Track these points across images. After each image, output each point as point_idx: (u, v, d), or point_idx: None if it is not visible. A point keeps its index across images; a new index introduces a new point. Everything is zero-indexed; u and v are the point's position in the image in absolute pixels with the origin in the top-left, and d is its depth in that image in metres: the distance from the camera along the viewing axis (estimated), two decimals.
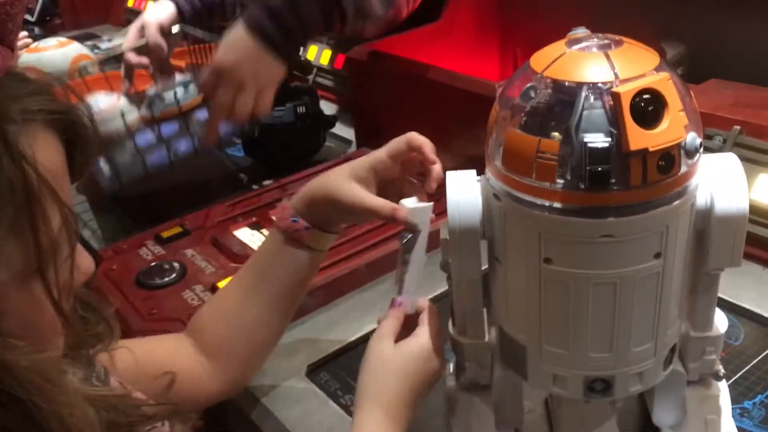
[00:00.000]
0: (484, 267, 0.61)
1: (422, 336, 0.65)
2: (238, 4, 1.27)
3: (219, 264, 0.99)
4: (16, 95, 0.46)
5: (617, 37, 0.54)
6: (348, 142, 1.38)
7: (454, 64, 1.22)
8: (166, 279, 0.97)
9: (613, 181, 0.50)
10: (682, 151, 0.50)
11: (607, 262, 0.53)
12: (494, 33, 1.50)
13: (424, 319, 0.67)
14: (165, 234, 1.08)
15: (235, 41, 0.99)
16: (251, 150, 1.31)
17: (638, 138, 0.48)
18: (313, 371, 0.86)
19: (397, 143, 0.73)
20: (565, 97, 0.51)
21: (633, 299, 0.54)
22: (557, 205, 0.52)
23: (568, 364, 0.58)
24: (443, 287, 0.65)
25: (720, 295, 0.61)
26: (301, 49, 1.55)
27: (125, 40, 1.21)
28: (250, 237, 1.06)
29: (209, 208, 1.16)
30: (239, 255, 0.99)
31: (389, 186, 0.74)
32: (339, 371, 0.86)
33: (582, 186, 0.50)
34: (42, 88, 0.48)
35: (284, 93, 1.26)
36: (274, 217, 0.77)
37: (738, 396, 0.74)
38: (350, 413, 0.77)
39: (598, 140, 0.50)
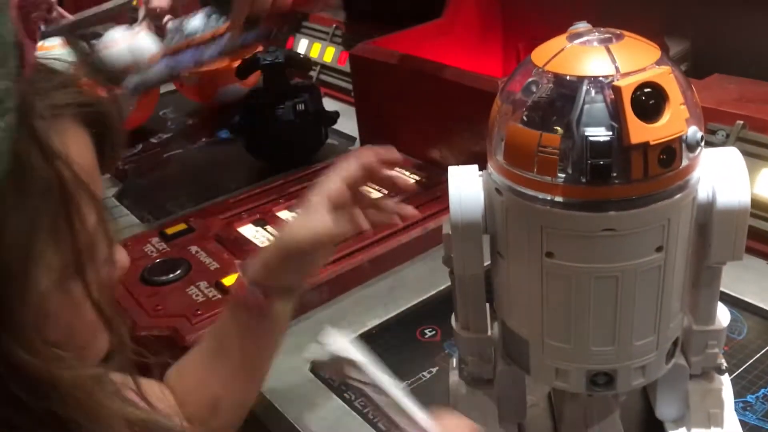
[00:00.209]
0: (487, 262, 0.61)
1: None
2: None
3: (223, 260, 0.99)
4: (43, 89, 0.42)
5: (618, 31, 0.54)
6: (352, 138, 1.38)
7: (456, 61, 1.21)
8: (171, 275, 0.97)
9: (615, 174, 0.50)
10: (684, 145, 0.50)
11: (609, 255, 0.53)
12: (497, 29, 1.50)
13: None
14: (169, 231, 1.08)
15: None
16: (252, 148, 1.31)
17: (639, 131, 0.48)
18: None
19: (347, 169, 0.69)
20: (566, 92, 0.52)
21: (635, 293, 0.54)
22: (559, 199, 0.52)
23: (570, 358, 0.58)
24: (446, 282, 0.65)
25: (723, 289, 0.62)
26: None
27: None
28: (254, 233, 1.07)
29: (213, 204, 1.17)
30: (243, 251, 1.00)
31: (346, 214, 0.69)
32: None
33: (583, 180, 0.51)
34: (69, 80, 0.45)
35: (285, 90, 1.26)
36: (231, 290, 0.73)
37: (741, 390, 0.74)
38: (355, 408, 0.77)
39: (599, 134, 0.50)
